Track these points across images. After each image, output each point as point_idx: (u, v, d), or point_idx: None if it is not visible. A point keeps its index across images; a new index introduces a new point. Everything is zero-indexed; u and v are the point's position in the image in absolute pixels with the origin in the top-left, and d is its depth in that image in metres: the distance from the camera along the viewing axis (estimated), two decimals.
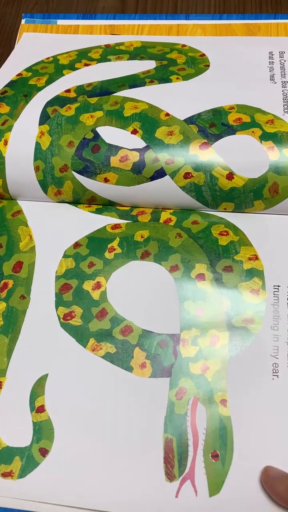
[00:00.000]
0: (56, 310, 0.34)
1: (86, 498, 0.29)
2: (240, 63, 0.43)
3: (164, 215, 0.38)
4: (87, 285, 0.35)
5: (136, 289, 0.35)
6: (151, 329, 0.33)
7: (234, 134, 0.37)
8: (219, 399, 0.31)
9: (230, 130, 0.37)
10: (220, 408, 0.31)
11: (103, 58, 0.45)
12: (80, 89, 0.42)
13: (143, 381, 0.32)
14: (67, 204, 0.39)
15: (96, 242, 0.37)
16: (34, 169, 0.38)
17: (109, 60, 0.45)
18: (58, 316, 0.34)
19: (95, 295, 0.35)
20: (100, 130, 0.39)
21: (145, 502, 0.29)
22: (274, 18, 0.47)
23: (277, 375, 0.31)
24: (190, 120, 0.38)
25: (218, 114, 0.38)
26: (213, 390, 0.31)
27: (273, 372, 0.31)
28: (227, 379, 0.31)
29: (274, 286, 0.34)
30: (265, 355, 0.32)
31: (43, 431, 0.31)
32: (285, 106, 0.38)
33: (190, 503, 0.28)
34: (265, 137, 0.37)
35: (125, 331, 0.33)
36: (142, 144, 0.38)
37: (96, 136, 0.38)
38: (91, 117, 0.39)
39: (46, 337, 0.34)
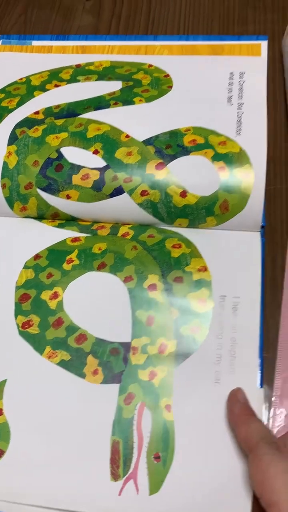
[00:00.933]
0: (15, 319, 0.37)
1: (38, 496, 0.32)
2: (201, 84, 0.45)
3: (123, 229, 0.40)
4: (45, 295, 0.37)
5: (91, 299, 0.37)
6: (104, 337, 0.36)
7: (188, 154, 0.40)
8: (164, 405, 0.33)
9: (185, 151, 0.40)
10: (165, 413, 0.33)
11: (73, 79, 0.47)
12: (48, 111, 0.44)
13: (95, 387, 0.34)
14: (32, 219, 0.42)
15: (55, 254, 0.39)
16: (1, 186, 0.41)
17: (78, 80, 0.47)
18: (17, 324, 0.37)
19: (52, 304, 0.37)
20: (64, 150, 0.41)
21: (90, 499, 0.31)
22: (238, 40, 0.49)
23: (218, 382, 0.34)
24: (148, 142, 0.41)
25: (174, 136, 0.41)
26: (159, 396, 0.33)
27: (215, 380, 0.34)
28: (173, 386, 0.34)
29: (220, 296, 0.36)
30: (208, 362, 0.34)
31: (0, 433, 0.33)
32: (238, 128, 0.41)
33: (131, 501, 0.31)
34: (216, 157, 0.39)
35: (80, 339, 0.36)
36: (102, 163, 0.40)
37: (60, 156, 0.41)
38: (56, 138, 0.42)
39: (5, 345, 0.36)
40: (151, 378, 0.34)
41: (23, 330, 0.36)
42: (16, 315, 0.37)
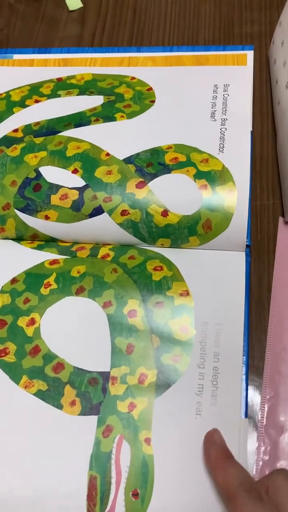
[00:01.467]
0: None
1: None
2: (185, 99, 0.44)
3: (103, 251, 0.39)
4: (22, 321, 0.36)
5: (69, 325, 0.36)
6: (82, 366, 0.34)
7: (170, 173, 0.38)
8: (143, 438, 0.32)
9: (166, 169, 0.39)
10: (144, 446, 0.32)
11: (54, 94, 0.46)
12: (27, 129, 0.43)
13: (72, 419, 0.33)
14: (11, 241, 0.40)
15: (33, 278, 0.38)
16: None
17: (59, 95, 0.46)
18: None
19: (29, 331, 0.36)
20: (43, 169, 0.40)
21: None
22: (223, 50, 0.48)
23: (200, 414, 0.32)
24: (129, 160, 0.39)
25: (156, 153, 0.39)
26: (139, 429, 0.32)
27: (197, 411, 0.32)
28: (153, 418, 0.32)
29: (202, 323, 0.35)
30: (190, 393, 0.33)
31: None
32: (221, 145, 0.39)
33: None
34: (199, 175, 0.38)
35: (57, 368, 0.34)
36: (81, 183, 0.39)
37: (38, 175, 0.40)
38: (35, 157, 0.41)
39: None
40: (130, 410, 0.33)
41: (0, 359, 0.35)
42: None
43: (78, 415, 0.33)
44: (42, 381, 0.34)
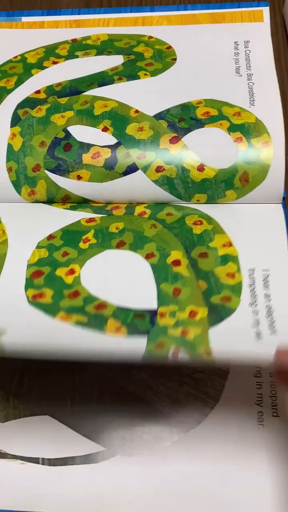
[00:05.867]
0: (25, 292, 0.34)
1: None
2: (206, 55, 0.43)
3: (139, 209, 0.38)
4: (60, 271, 0.34)
5: (111, 274, 0.34)
6: (126, 306, 0.33)
7: (203, 127, 0.38)
8: (203, 350, 0.30)
9: (199, 123, 0.38)
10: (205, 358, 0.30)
11: (71, 55, 0.45)
12: (49, 90, 0.42)
13: (118, 340, 0.31)
14: (42, 204, 0.39)
15: (70, 234, 0.37)
16: (7, 170, 0.38)
17: (77, 56, 0.45)
18: (27, 296, 0.33)
19: (68, 279, 0.34)
20: (71, 129, 0.39)
21: None
22: (238, 7, 0.47)
23: (260, 339, 0.31)
24: (159, 116, 0.39)
25: (186, 109, 0.39)
26: (196, 345, 0.30)
27: (256, 337, 0.31)
28: (210, 343, 0.31)
29: (249, 269, 0.35)
30: (246, 326, 0.31)
31: None
32: (251, 99, 0.39)
33: None
34: (233, 128, 0.38)
35: (99, 307, 0.32)
36: (113, 140, 0.38)
37: (68, 135, 0.39)
38: (62, 117, 0.40)
39: (14, 316, 0.33)
40: (183, 335, 0.31)
41: (33, 301, 0.33)
42: (26, 289, 0.34)
43: (124, 338, 0.31)
44: (82, 315, 0.32)
